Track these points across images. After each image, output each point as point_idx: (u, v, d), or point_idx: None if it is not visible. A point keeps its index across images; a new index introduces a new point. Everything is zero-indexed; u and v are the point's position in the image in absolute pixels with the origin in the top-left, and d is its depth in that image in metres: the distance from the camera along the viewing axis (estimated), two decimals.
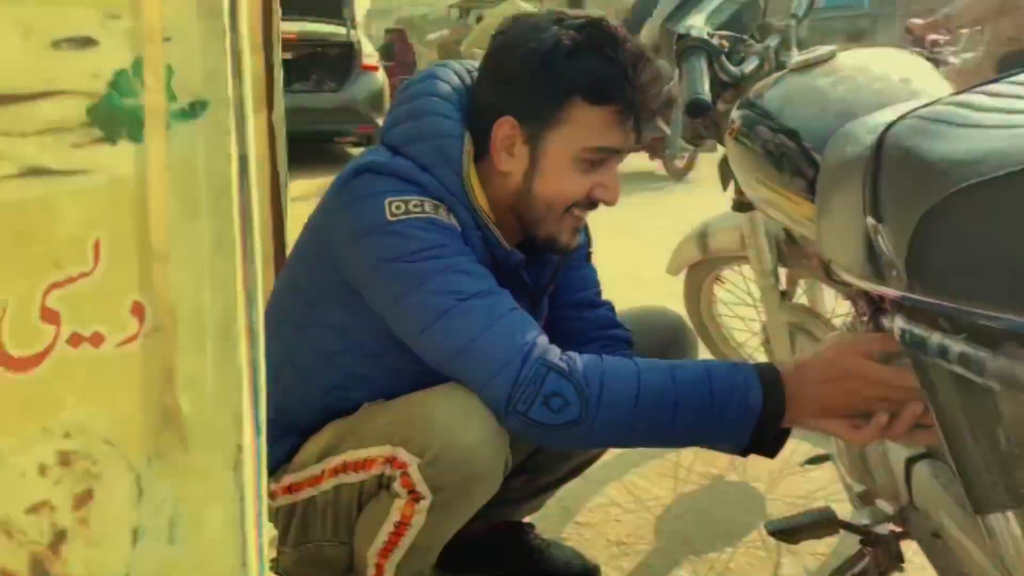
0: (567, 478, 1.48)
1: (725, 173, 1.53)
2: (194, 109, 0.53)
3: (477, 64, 1.23)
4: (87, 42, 0.50)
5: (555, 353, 1.02)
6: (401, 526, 1.06)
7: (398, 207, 1.06)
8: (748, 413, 0.98)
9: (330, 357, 1.17)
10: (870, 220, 0.72)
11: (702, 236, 1.88)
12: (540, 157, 1.14)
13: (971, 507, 0.74)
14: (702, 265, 1.95)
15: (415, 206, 1.07)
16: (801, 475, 1.81)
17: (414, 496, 1.04)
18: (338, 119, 7.09)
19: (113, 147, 0.51)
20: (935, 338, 0.65)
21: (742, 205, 1.54)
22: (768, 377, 1.00)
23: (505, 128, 1.13)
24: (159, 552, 0.57)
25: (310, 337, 1.18)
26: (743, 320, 2.00)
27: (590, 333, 1.31)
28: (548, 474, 1.45)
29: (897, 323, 0.72)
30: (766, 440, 1.02)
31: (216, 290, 0.55)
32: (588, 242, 1.38)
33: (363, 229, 1.07)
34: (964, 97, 0.69)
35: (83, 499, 0.55)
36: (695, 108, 1.19)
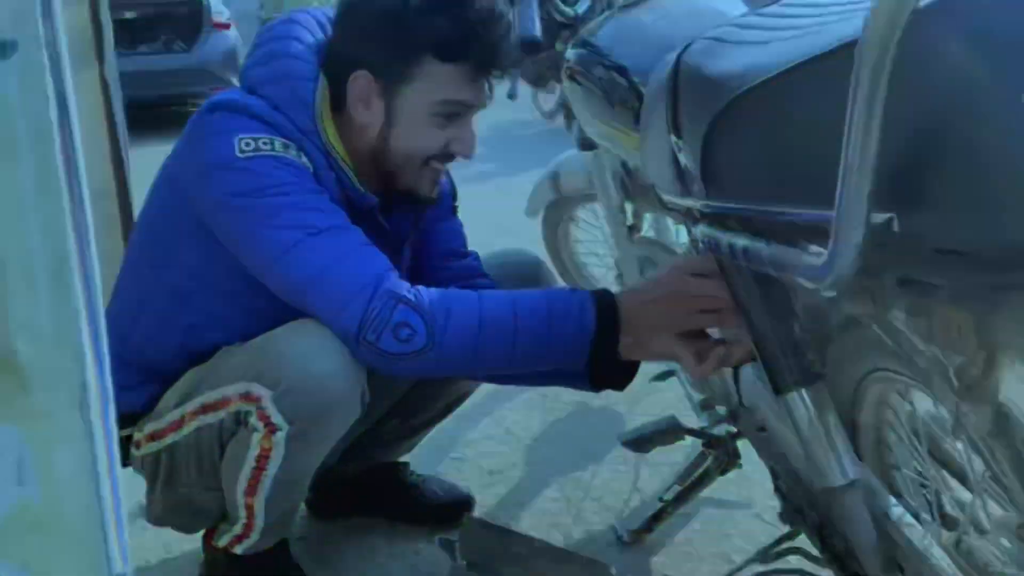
0: (438, 418, 1.53)
1: (569, 113, 1.59)
2: (3, 50, 0.53)
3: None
4: None
5: (403, 286, 1.05)
6: (262, 460, 1.08)
7: (247, 144, 1.07)
8: (583, 332, 1.06)
9: (186, 297, 1.17)
10: (673, 138, 0.80)
11: (554, 177, 1.94)
12: (395, 111, 1.16)
13: (772, 391, 0.84)
14: (557, 205, 2.01)
15: (265, 144, 1.08)
16: (658, 394, 1.93)
17: (271, 428, 1.06)
18: (190, 81, 6.78)
19: None
20: (726, 239, 0.74)
21: (586, 143, 1.60)
22: (602, 299, 1.08)
23: (360, 82, 1.15)
24: (8, 494, 0.58)
25: (166, 278, 1.18)
26: (598, 256, 2.09)
27: (455, 283, 1.35)
28: (420, 415, 1.49)
29: (701, 231, 0.80)
30: (610, 370, 1.09)
31: (45, 233, 0.56)
32: (454, 195, 1.41)
33: (212, 165, 1.08)
34: (744, 19, 0.77)
35: None
36: (527, 46, 1.24)
